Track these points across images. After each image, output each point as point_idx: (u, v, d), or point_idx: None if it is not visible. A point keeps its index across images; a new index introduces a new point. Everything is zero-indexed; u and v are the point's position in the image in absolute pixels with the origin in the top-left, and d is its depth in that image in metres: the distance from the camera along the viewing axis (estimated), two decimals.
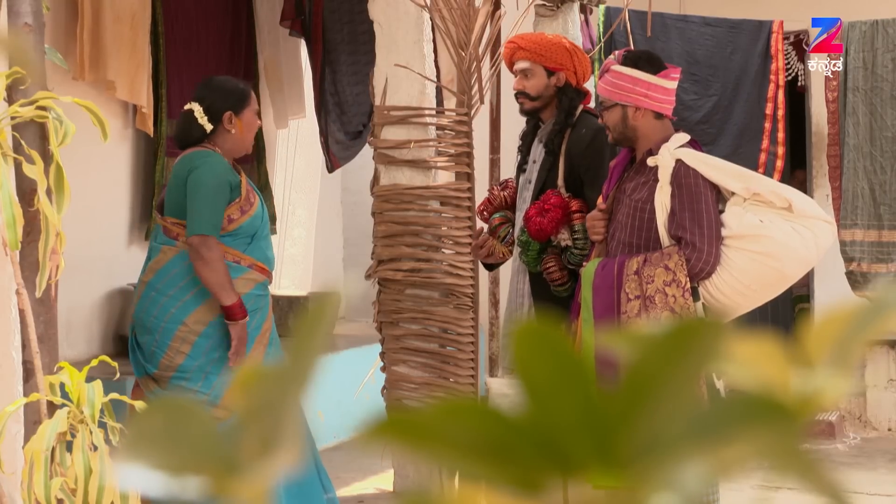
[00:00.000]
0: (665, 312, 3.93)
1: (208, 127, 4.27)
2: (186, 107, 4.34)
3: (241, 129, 4.31)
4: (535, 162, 4.74)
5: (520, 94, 4.72)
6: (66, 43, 6.01)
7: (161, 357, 4.19)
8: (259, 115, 4.42)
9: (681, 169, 4.01)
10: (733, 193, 4.03)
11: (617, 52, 4.24)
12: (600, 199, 4.28)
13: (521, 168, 4.83)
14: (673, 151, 4.04)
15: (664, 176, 4.02)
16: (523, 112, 4.79)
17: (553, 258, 4.52)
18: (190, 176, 4.21)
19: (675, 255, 3.96)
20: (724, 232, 3.98)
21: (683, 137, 4.11)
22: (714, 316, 3.98)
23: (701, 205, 3.98)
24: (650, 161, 4.08)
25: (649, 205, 4.06)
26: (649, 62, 4.14)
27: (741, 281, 3.96)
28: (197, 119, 4.27)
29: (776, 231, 3.93)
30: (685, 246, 3.97)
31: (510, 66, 4.81)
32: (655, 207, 4.04)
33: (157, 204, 4.45)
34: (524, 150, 4.83)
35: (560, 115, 4.65)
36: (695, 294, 3.98)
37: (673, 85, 4.15)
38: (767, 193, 3.97)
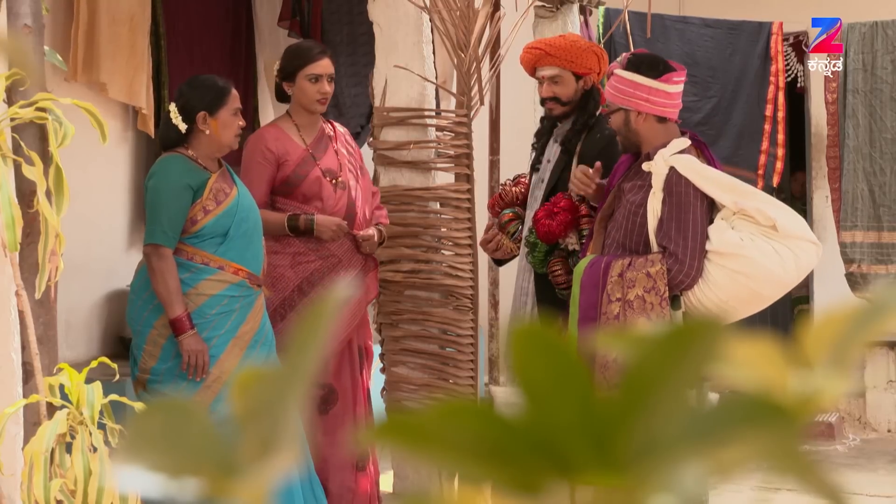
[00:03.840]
0: (641, 318, 3.94)
1: (182, 127, 4.22)
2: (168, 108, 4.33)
3: (216, 129, 4.24)
4: (549, 161, 4.74)
5: (550, 100, 4.72)
6: (62, 44, 6.01)
7: (140, 360, 4.21)
8: (240, 114, 4.36)
9: (673, 177, 4.01)
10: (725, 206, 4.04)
11: (622, 56, 4.24)
12: (598, 165, 4.33)
13: (534, 167, 4.83)
14: (667, 158, 4.03)
15: (657, 183, 4.03)
16: (552, 117, 4.78)
17: (559, 261, 4.53)
18: (147, 184, 4.24)
19: (657, 263, 3.97)
20: (707, 245, 3.98)
21: (683, 143, 4.10)
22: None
23: (688, 215, 3.98)
24: (645, 166, 4.09)
25: (642, 209, 4.07)
26: (651, 66, 4.14)
27: (718, 296, 3.97)
28: (172, 120, 4.25)
29: (755, 251, 3.92)
30: (668, 256, 3.97)
31: (531, 70, 4.81)
32: (648, 212, 4.05)
33: None
34: (539, 148, 4.84)
35: (582, 116, 4.66)
36: (676, 302, 3.99)
37: (676, 89, 4.15)
38: (753, 210, 3.95)
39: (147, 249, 4.18)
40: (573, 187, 4.35)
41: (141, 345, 4.21)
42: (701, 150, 4.16)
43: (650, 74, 4.11)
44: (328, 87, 4.68)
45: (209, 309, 4.20)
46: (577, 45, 4.72)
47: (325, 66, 4.68)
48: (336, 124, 4.88)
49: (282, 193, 4.66)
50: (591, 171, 4.31)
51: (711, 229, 4.00)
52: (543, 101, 4.77)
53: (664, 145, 4.08)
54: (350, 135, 4.93)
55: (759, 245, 3.93)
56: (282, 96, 4.81)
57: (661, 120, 4.12)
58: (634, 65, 4.14)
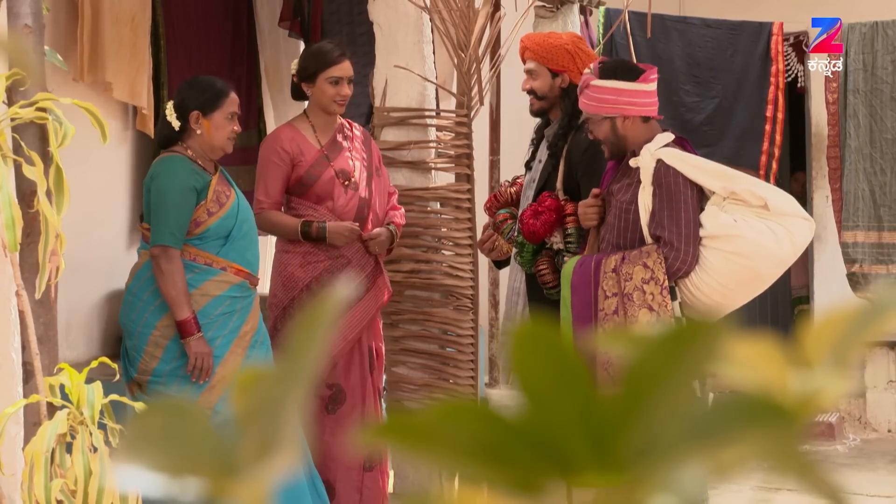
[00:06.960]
0: (643, 310, 3.95)
1: (176, 125, 4.22)
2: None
3: (208, 130, 4.23)
4: (540, 161, 4.74)
5: (529, 93, 4.72)
6: (66, 44, 6.01)
7: (139, 361, 4.19)
8: (237, 119, 4.30)
9: (661, 168, 4.04)
10: (714, 192, 4.06)
11: (592, 66, 4.25)
12: (594, 191, 4.28)
13: (527, 165, 4.83)
14: (654, 152, 4.06)
15: (646, 177, 4.05)
16: (533, 112, 4.78)
17: (546, 261, 4.51)
18: (152, 184, 4.21)
19: (653, 253, 3.98)
20: (700, 232, 4.00)
21: (667, 137, 4.13)
22: (693, 315, 4.01)
23: (680, 204, 4.00)
24: (632, 162, 4.11)
25: (633, 206, 4.09)
26: (626, 70, 4.18)
27: (718, 280, 3.99)
28: (167, 117, 4.24)
29: (749, 230, 3.94)
30: (663, 245, 3.99)
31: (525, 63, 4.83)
32: (639, 208, 4.06)
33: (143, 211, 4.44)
34: (535, 145, 4.83)
35: (563, 117, 4.64)
36: (672, 293, 4.00)
37: (653, 87, 4.19)
38: (743, 192, 3.98)
39: (155, 251, 4.15)
40: (585, 222, 4.30)
41: (141, 346, 4.19)
42: (682, 145, 4.18)
43: (628, 78, 4.14)
44: (348, 90, 4.68)
45: (213, 309, 4.21)
46: (550, 42, 4.70)
47: (345, 68, 4.69)
48: (354, 125, 4.86)
49: (296, 193, 4.66)
50: (591, 199, 4.27)
51: (704, 215, 4.02)
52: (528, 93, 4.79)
53: (649, 141, 4.11)
54: (369, 135, 4.91)
55: (753, 224, 3.95)
56: (297, 94, 4.80)
57: (645, 119, 4.16)
58: (610, 72, 4.16)
